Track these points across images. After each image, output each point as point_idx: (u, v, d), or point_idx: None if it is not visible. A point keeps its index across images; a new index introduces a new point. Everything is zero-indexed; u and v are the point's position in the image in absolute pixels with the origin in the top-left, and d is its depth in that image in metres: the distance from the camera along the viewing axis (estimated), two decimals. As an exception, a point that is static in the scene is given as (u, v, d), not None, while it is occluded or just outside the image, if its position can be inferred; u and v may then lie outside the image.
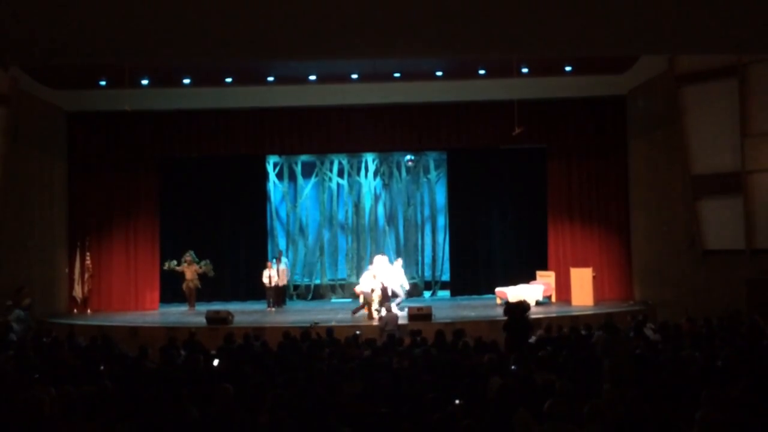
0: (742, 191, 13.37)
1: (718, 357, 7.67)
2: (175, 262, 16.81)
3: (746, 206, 13.34)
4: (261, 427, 5.59)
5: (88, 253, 16.89)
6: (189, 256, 16.73)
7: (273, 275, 16.41)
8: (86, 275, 16.81)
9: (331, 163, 19.41)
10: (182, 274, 16.76)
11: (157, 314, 16.44)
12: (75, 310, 16.62)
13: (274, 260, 16.97)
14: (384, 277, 14.58)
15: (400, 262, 15.85)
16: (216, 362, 8.72)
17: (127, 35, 8.50)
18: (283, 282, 16.94)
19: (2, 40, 7.99)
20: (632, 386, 6.84)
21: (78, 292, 16.76)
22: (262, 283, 16.51)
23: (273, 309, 16.32)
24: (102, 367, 8.23)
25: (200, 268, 16.72)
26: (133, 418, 5.81)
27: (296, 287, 19.32)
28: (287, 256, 18.81)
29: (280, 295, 16.93)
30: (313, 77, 16.03)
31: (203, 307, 15.50)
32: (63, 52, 8.99)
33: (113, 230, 17.42)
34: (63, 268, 16.92)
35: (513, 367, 7.75)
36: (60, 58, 10.26)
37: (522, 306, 10.63)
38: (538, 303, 15.52)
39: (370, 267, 15.18)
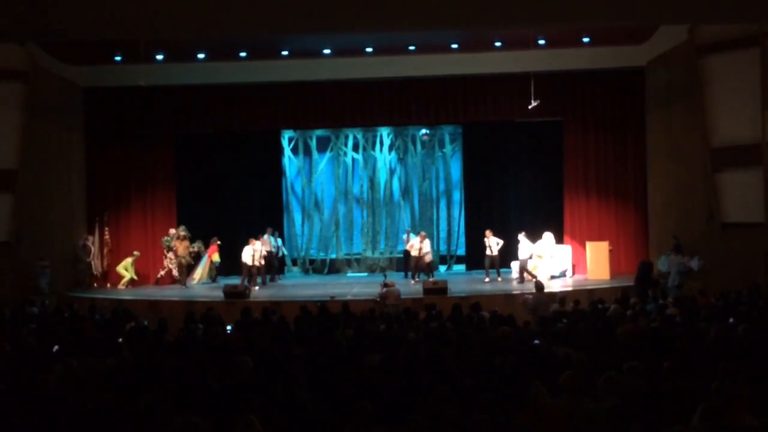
0: (762, 163, 13.16)
1: (734, 330, 7.65)
2: (168, 238, 16.82)
3: (766, 179, 13.14)
4: (279, 399, 5.66)
5: (106, 228, 17.06)
6: (182, 230, 16.58)
7: (255, 254, 15.50)
8: (105, 249, 16.99)
9: (346, 138, 19.37)
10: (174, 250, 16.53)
11: (175, 288, 16.61)
12: (95, 284, 16.85)
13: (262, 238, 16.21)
14: (551, 251, 15.48)
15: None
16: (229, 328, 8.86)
17: (141, 10, 8.47)
18: (259, 261, 15.75)
19: (18, 15, 8.01)
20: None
21: (98, 266, 16.97)
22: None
23: (256, 287, 15.37)
24: (121, 340, 8.37)
25: (193, 248, 16.45)
26: (153, 389, 5.91)
27: (312, 261, 19.42)
28: (302, 231, 18.79)
29: (257, 274, 15.83)
30: (327, 51, 15.94)
31: (221, 282, 15.59)
32: (78, 27, 8.99)
33: (131, 205, 17.62)
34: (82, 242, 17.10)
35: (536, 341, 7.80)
36: (75, 34, 10.25)
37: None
38: (552, 277, 15.51)
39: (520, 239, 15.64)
